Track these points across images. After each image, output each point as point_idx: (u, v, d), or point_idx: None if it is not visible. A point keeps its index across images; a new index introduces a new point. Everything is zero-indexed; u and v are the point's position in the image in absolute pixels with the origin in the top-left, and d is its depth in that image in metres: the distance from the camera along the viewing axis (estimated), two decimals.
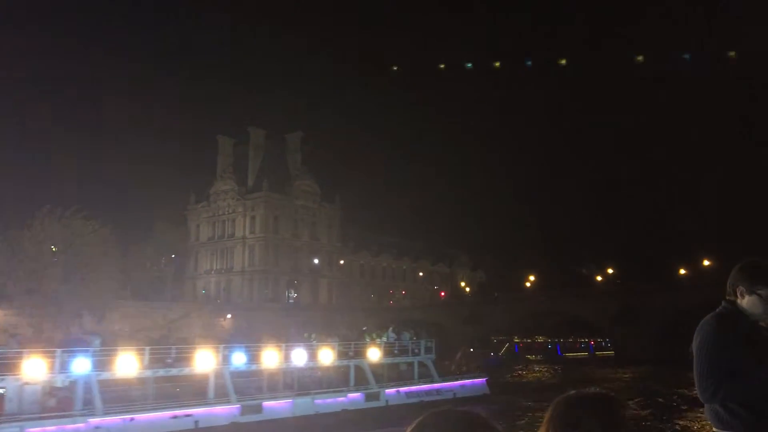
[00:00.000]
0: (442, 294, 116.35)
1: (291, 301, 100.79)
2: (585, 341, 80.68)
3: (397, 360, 36.31)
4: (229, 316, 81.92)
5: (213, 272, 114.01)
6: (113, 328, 73.67)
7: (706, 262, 78.83)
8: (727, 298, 3.63)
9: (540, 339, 76.30)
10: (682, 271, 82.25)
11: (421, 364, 36.17)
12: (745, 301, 3.52)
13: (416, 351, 36.85)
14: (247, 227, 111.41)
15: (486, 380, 38.24)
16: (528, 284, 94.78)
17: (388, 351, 35.79)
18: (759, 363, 3.31)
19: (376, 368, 34.42)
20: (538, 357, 73.13)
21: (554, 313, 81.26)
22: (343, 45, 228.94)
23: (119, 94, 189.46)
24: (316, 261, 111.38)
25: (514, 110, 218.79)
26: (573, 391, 2.18)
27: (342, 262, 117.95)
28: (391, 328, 40.60)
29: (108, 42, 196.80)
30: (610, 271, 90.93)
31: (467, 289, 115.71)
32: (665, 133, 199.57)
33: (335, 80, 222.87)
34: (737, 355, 3.35)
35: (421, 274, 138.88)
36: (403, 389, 33.93)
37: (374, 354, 34.75)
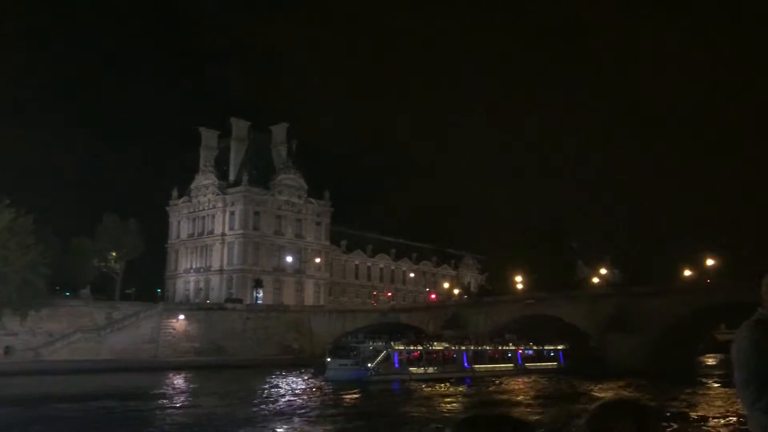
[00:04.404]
0: (433, 296, 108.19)
1: (260, 301, 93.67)
2: (512, 350, 67.06)
3: None
4: (182, 317, 75.31)
5: (192, 271, 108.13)
6: (48, 328, 67.94)
7: (710, 261, 69.21)
8: (764, 305, 3.53)
9: (438, 346, 61.08)
10: (687, 272, 72.90)
11: None
12: None
13: None
14: (227, 223, 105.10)
15: None
16: (520, 286, 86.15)
17: None
18: None
19: None
20: (429, 369, 57.55)
21: (540, 317, 72.73)
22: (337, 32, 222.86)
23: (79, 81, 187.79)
24: (289, 259, 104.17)
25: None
26: (607, 399, 2.20)
27: (319, 260, 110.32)
28: None
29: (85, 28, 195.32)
30: (603, 271, 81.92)
31: (455, 291, 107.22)
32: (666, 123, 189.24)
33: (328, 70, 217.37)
34: None
35: (412, 275, 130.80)
36: None
37: None
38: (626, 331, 64.92)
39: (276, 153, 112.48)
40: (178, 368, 64.28)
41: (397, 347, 57.55)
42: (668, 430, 26.67)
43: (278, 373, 59.43)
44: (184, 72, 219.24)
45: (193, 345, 75.13)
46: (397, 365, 56.26)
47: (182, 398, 42.34)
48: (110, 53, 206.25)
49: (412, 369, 56.96)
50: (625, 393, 45.36)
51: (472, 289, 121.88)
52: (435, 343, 61.56)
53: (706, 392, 47.30)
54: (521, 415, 33.50)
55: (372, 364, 54.79)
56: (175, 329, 74.42)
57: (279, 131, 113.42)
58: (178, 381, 54.19)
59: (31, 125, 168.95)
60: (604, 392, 45.72)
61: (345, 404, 39.21)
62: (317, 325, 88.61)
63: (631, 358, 62.17)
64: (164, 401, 40.49)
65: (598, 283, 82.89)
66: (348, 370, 53.75)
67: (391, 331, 73.62)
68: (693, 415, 34.28)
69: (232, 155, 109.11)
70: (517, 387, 51.80)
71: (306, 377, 56.38)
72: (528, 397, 44.27)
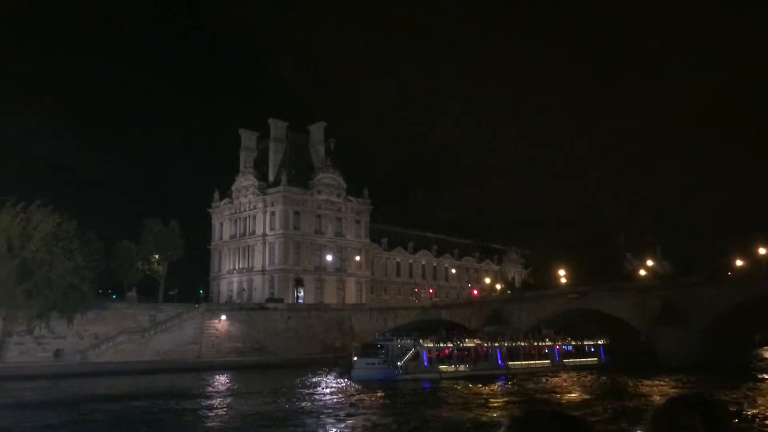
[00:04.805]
0: (475, 292, 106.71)
1: (301, 300, 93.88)
2: (549, 345, 63.98)
3: None
4: (223, 317, 75.90)
5: (235, 272, 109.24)
6: (95, 330, 69.30)
7: (762, 251, 66.12)
8: None
9: (470, 343, 57.98)
10: (739, 263, 69.85)
11: None
12: None
13: None
14: (268, 224, 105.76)
15: None
16: (564, 280, 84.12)
17: None
18: None
19: None
20: (460, 367, 55.16)
21: (585, 311, 70.77)
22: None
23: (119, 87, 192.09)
24: (329, 258, 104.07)
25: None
26: (676, 393, 2.14)
27: (359, 258, 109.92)
28: None
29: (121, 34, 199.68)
30: (650, 263, 79.20)
31: (497, 286, 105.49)
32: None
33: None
34: None
35: (454, 271, 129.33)
36: None
37: None
38: (677, 324, 62.59)
39: (314, 152, 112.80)
40: (221, 368, 64.73)
41: (426, 345, 55.28)
42: (739, 426, 25.86)
43: (316, 372, 58.90)
44: (223, 75, 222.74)
45: (236, 345, 75.65)
46: (426, 363, 54.08)
47: (217, 399, 42.38)
48: (147, 56, 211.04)
49: (442, 367, 54.87)
50: (669, 389, 43.55)
51: (517, 284, 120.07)
52: (467, 340, 59.21)
53: (766, 386, 45.20)
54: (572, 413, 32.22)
55: (400, 362, 52.87)
56: (217, 330, 75.04)
57: (317, 130, 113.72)
58: (217, 381, 54.41)
59: (72, 131, 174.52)
60: (649, 388, 43.95)
61: (367, 405, 38.16)
62: (359, 323, 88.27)
63: (683, 352, 59.82)
64: (199, 401, 40.63)
65: (645, 275, 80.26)
66: (375, 369, 51.89)
67: (434, 328, 72.59)
68: (754, 411, 32.59)
69: (271, 156, 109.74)
70: (556, 384, 50.00)
71: (332, 377, 54.96)
72: (572, 395, 42.80)
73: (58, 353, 66.35)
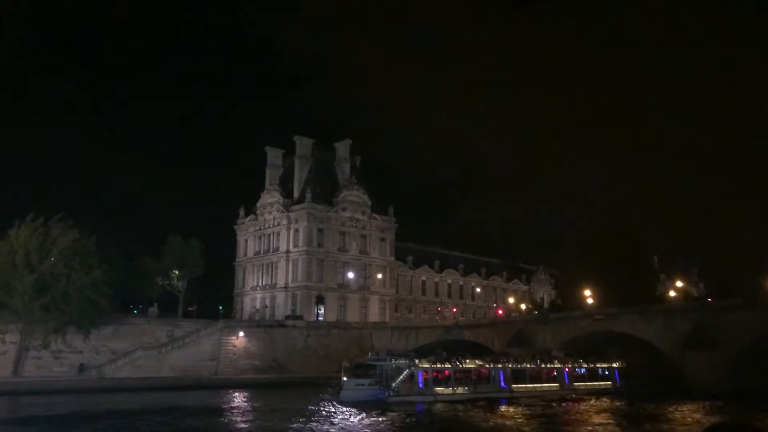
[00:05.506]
0: (500, 312, 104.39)
1: (321, 318, 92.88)
2: (558, 367, 59.27)
3: None
4: (241, 334, 75.25)
5: (258, 288, 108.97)
6: (112, 345, 69.28)
7: None
8: None
9: (471, 364, 54.08)
10: None
11: None
12: None
13: None
14: (291, 241, 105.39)
15: None
16: (591, 301, 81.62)
17: None
18: None
19: None
20: (458, 390, 51.62)
21: (611, 334, 68.30)
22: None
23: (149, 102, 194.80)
24: (352, 275, 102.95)
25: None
26: (718, 421, 1.95)
27: (381, 276, 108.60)
28: None
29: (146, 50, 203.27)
30: (679, 284, 76.26)
31: (522, 306, 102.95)
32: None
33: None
34: None
35: (479, 290, 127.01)
36: None
37: None
38: (707, 348, 59.87)
39: (339, 169, 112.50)
40: (235, 386, 63.73)
41: (421, 365, 52.05)
42: None
43: (317, 392, 57.10)
44: (251, 93, 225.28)
45: (253, 362, 74.88)
46: (421, 385, 51.02)
47: (203, 418, 41.28)
48: (175, 76, 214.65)
49: (438, 389, 51.74)
50: (698, 417, 41.18)
51: (545, 305, 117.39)
52: (467, 361, 55.74)
53: None
54: None
55: (394, 383, 49.97)
56: (235, 346, 74.40)
57: (342, 148, 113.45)
58: (221, 400, 52.92)
59: (96, 147, 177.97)
60: (672, 415, 41.57)
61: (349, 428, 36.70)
62: (380, 342, 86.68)
63: (713, 377, 57.15)
64: (182, 421, 39.61)
65: (675, 296, 77.31)
66: (365, 390, 49.18)
67: (456, 348, 70.51)
68: None
69: (296, 173, 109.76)
70: (564, 409, 47.37)
71: (326, 397, 52.32)
72: (584, 422, 40.51)
73: (82, 368, 66.05)
